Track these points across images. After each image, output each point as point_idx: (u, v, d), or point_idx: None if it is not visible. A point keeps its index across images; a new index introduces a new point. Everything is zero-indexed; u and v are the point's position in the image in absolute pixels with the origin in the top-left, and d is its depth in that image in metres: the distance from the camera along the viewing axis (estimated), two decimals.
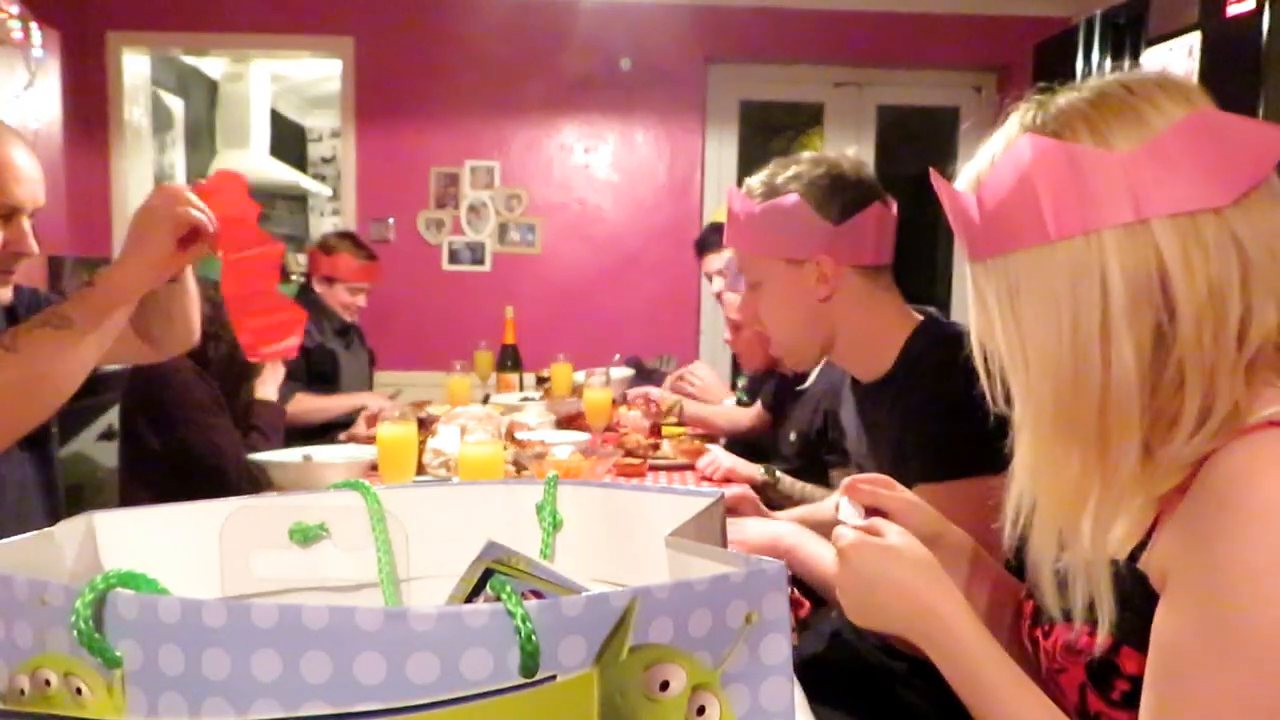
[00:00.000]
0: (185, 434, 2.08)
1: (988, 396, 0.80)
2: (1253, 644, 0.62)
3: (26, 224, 1.39)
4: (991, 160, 0.77)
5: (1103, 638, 0.73)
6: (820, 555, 1.35)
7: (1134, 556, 0.74)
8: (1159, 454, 0.70)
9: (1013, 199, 0.73)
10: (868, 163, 1.43)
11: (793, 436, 2.36)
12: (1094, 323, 0.70)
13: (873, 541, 0.87)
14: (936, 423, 1.21)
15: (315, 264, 3.09)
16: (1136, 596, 0.72)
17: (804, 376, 2.40)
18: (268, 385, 2.30)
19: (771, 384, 2.66)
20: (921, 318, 1.41)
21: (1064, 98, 0.76)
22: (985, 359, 0.80)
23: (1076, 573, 0.74)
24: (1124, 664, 0.74)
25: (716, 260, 2.85)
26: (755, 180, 1.38)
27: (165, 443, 2.10)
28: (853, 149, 4.38)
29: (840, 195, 1.33)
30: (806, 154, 1.39)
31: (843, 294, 1.35)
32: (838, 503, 1.06)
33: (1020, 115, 0.77)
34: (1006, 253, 0.74)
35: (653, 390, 2.80)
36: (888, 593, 0.85)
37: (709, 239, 2.92)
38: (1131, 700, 0.73)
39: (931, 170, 0.85)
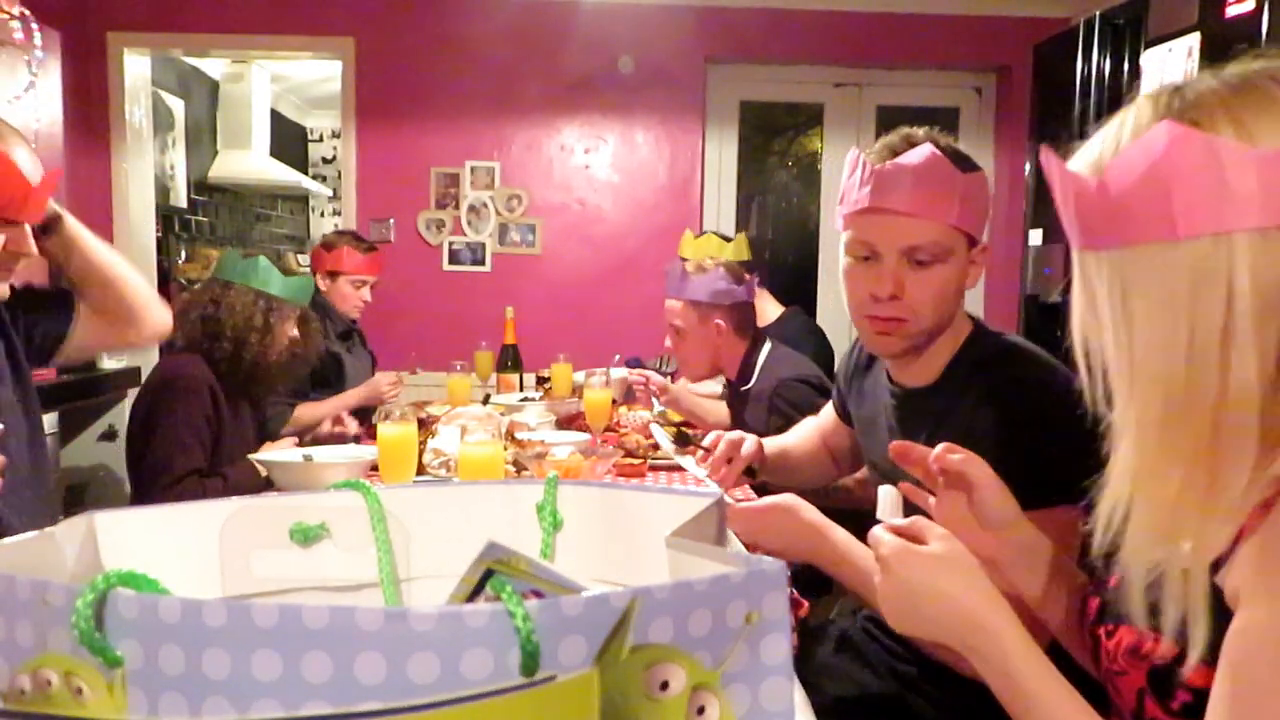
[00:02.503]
0: (151, 437, 2.06)
1: (1086, 395, 0.76)
2: None
3: (28, 226, 1.41)
4: (1117, 144, 0.72)
5: (1195, 657, 0.69)
6: (825, 524, 1.27)
7: (1211, 568, 0.71)
8: (1260, 466, 0.66)
9: (1140, 189, 0.67)
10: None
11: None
12: (1214, 330, 0.65)
13: (917, 550, 0.83)
14: (1003, 452, 1.12)
15: (319, 261, 3.10)
16: (1210, 610, 0.69)
17: (747, 377, 2.40)
18: (273, 447, 2.28)
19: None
20: (971, 325, 1.35)
21: (1204, 84, 0.70)
22: (1086, 354, 0.75)
23: (1172, 585, 0.70)
24: (1188, 675, 0.72)
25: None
26: (945, 144, 1.26)
27: (141, 440, 2.10)
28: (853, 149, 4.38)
29: None
30: (921, 132, 1.29)
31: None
32: (878, 494, 1.02)
33: (1153, 99, 0.72)
34: (1125, 246, 0.69)
35: (654, 375, 2.79)
36: (934, 604, 0.82)
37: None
38: (1191, 712, 0.71)
39: (1044, 147, 0.78)
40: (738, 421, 2.54)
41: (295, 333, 2.31)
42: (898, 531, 0.86)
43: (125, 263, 1.68)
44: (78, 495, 3.41)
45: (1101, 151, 0.73)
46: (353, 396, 2.94)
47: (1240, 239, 0.64)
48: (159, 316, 1.72)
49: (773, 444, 1.67)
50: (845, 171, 1.31)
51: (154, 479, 2.03)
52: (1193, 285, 0.66)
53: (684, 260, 2.52)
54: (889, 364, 1.40)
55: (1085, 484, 0.84)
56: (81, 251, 1.60)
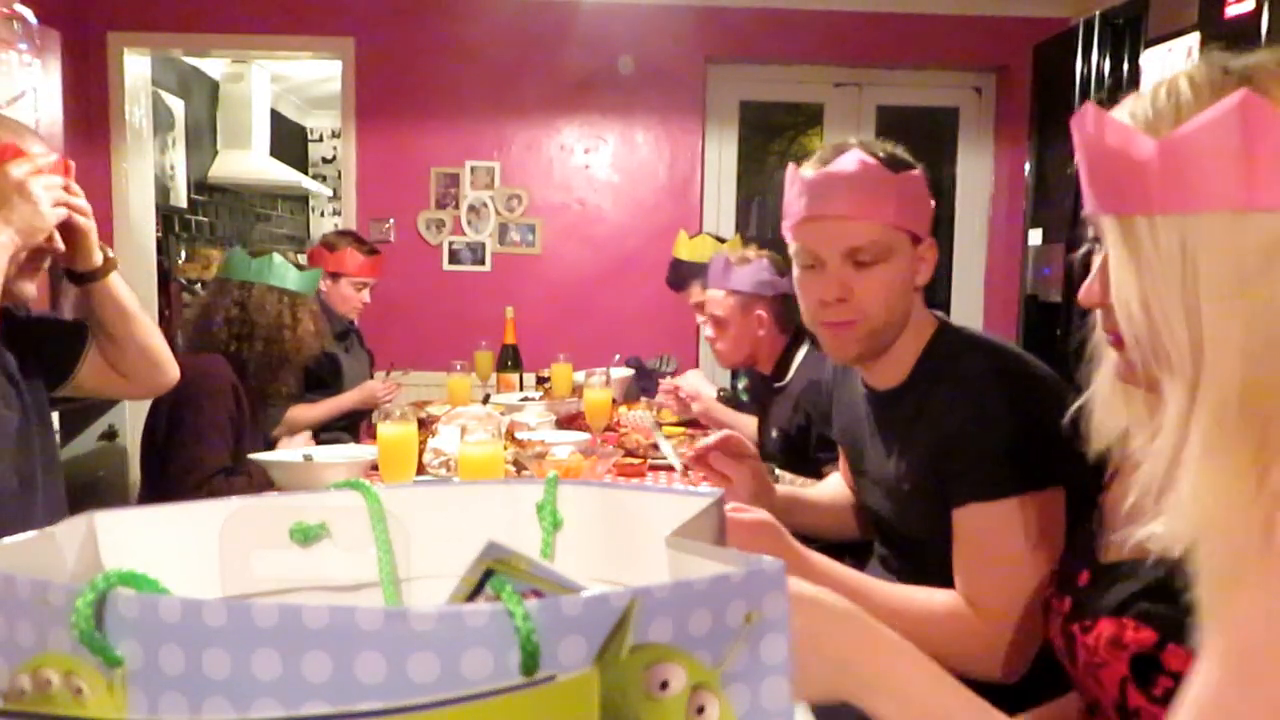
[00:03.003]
0: (178, 436, 2.06)
1: (1134, 363, 0.72)
2: None
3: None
4: (1177, 106, 0.69)
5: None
6: (804, 550, 1.27)
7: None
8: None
9: (1212, 154, 0.65)
10: None
11: (774, 434, 2.37)
12: None
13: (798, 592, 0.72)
14: (984, 439, 1.17)
15: (320, 261, 3.10)
16: (1187, 595, 0.68)
17: (783, 373, 2.41)
18: (291, 443, 2.30)
19: (753, 381, 2.65)
20: (936, 322, 1.36)
21: (1254, 57, 0.69)
22: (1130, 320, 0.71)
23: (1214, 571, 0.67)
24: (1168, 661, 0.73)
25: (700, 293, 2.86)
26: (876, 148, 1.29)
27: (166, 439, 2.10)
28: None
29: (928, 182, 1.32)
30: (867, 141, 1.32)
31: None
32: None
33: (1203, 66, 0.70)
34: (1190, 211, 0.66)
35: (683, 383, 2.81)
36: (818, 654, 0.71)
37: (687, 275, 2.95)
38: (1174, 698, 0.71)
39: (1090, 103, 0.75)
40: (764, 416, 2.53)
41: (313, 326, 2.32)
42: None
43: (153, 323, 1.65)
44: (78, 495, 3.41)
45: (1156, 112, 0.70)
46: (347, 400, 2.94)
47: None
48: (165, 376, 1.69)
49: (787, 490, 1.66)
50: (785, 186, 1.36)
51: (182, 478, 2.03)
52: (1265, 258, 0.64)
53: (677, 254, 2.53)
54: (860, 369, 1.41)
55: (1067, 466, 0.84)
56: (118, 304, 1.57)
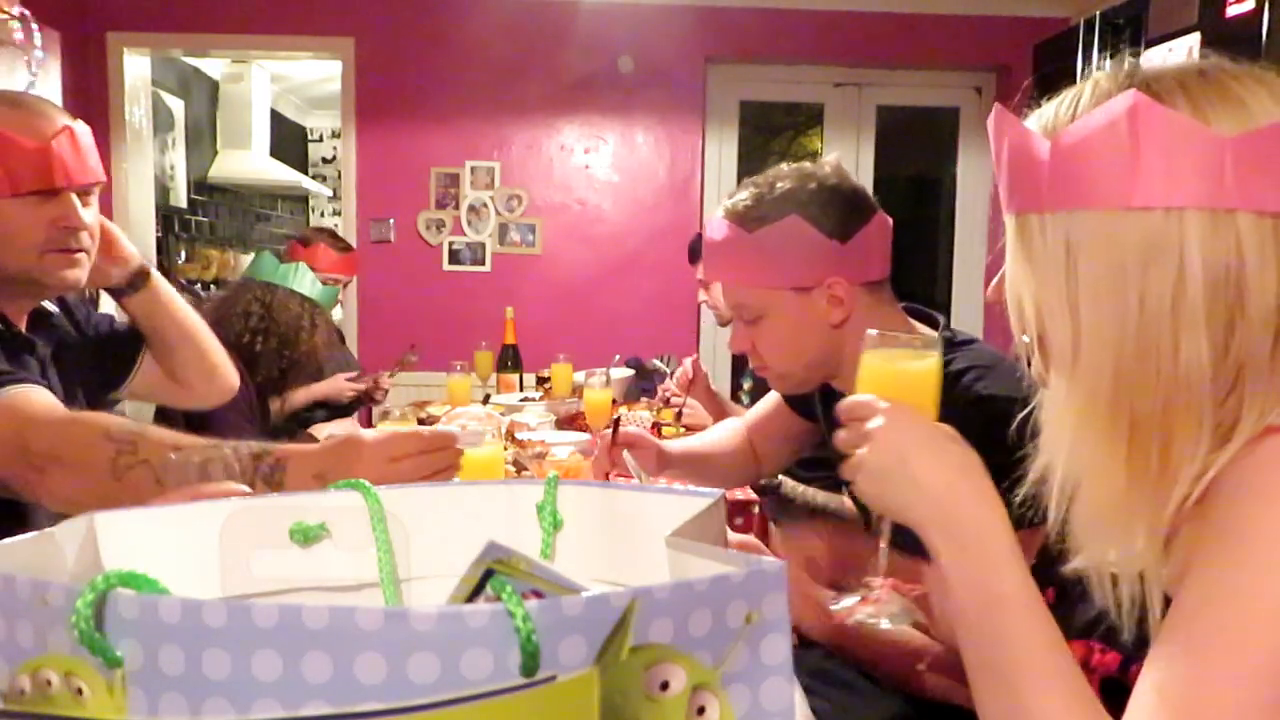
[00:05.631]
0: (208, 427, 2.07)
1: (1023, 360, 0.75)
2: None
3: (73, 198, 1.30)
4: (1074, 109, 0.71)
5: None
6: None
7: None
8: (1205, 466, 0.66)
9: (1097, 154, 0.67)
10: (849, 169, 1.32)
11: None
12: (1164, 305, 0.65)
13: (917, 416, 0.81)
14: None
15: (293, 256, 3.08)
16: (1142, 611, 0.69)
17: None
18: (334, 425, 2.33)
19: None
20: (934, 334, 1.32)
21: (1160, 67, 0.70)
22: (1021, 316, 0.74)
23: (1127, 578, 0.69)
24: (1133, 682, 0.70)
25: None
26: (739, 205, 1.26)
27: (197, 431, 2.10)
28: (853, 149, 4.39)
29: (841, 210, 1.24)
30: (787, 168, 1.28)
31: (855, 316, 1.25)
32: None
33: (1112, 75, 0.71)
34: (1074, 209, 0.68)
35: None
36: (921, 469, 0.76)
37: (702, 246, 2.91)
38: None
39: (998, 105, 0.77)
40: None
41: (327, 337, 2.37)
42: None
43: (205, 327, 1.59)
44: None
45: (1057, 115, 0.72)
46: (318, 390, 2.89)
47: (1191, 216, 0.64)
48: (225, 384, 1.62)
49: (680, 447, 1.66)
50: None
51: None
52: (1142, 256, 0.65)
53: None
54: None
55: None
56: (167, 313, 1.51)
